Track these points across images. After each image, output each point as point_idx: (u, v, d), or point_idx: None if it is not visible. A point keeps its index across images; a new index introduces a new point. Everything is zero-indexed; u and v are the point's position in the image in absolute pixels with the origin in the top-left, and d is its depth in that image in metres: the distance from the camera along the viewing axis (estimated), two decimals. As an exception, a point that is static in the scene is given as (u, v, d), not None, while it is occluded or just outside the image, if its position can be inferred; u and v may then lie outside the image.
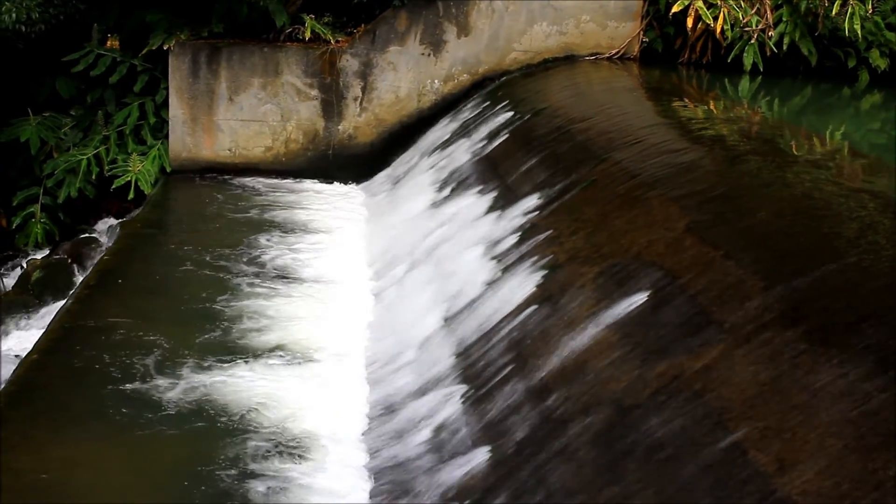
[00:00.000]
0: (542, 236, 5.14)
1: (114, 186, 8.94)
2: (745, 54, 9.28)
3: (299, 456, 4.14)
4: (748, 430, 2.77)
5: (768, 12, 9.31)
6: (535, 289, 4.62)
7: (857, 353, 2.82)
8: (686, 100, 8.08)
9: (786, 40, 9.29)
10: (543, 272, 4.72)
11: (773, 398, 2.83)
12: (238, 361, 5.04)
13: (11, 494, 3.82)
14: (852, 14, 8.95)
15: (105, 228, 9.24)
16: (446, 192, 7.10)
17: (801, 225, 4.01)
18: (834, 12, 9.06)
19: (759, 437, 2.72)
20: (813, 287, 3.31)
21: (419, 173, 8.17)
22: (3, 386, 4.83)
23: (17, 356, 6.04)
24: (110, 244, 7.80)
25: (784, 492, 2.48)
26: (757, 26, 9.27)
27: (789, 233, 3.95)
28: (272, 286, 6.19)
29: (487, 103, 8.63)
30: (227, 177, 9.23)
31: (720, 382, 3.05)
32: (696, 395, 3.07)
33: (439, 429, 4.08)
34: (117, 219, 9.28)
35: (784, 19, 9.31)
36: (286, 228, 7.56)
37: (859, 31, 9.01)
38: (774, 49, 9.28)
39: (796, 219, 4.08)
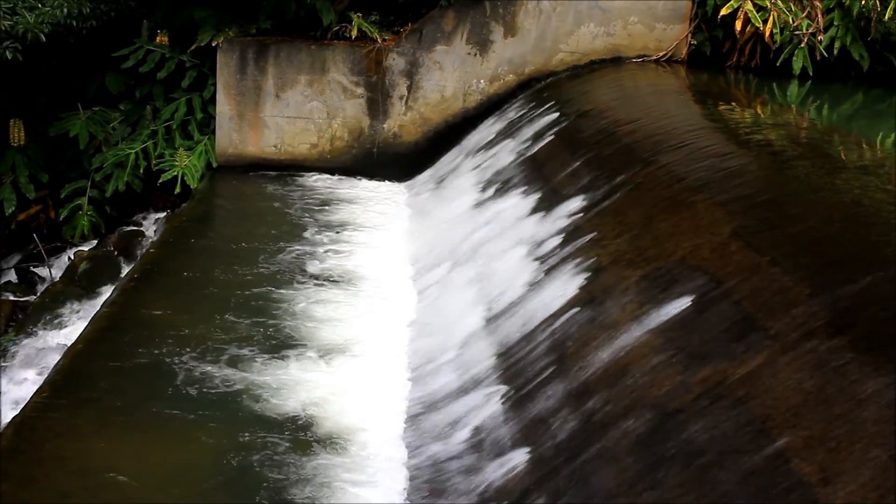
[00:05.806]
0: (585, 238, 5.12)
1: (161, 181, 9.05)
2: (794, 58, 9.17)
3: (340, 452, 4.16)
4: (791, 439, 2.74)
5: (819, 16, 9.19)
6: (577, 291, 4.60)
7: (905, 363, 2.78)
8: (733, 104, 8.00)
9: (836, 44, 9.17)
10: (586, 274, 4.71)
11: (817, 407, 2.80)
12: (280, 356, 5.07)
13: (55, 483, 3.88)
14: (905, 19, 8.84)
15: (151, 222, 9.36)
16: (490, 192, 7.10)
17: (850, 232, 3.96)
18: (887, 17, 8.93)
19: (802, 445, 2.70)
20: (861, 295, 3.26)
21: (463, 173, 8.18)
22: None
23: (63, 346, 6.14)
24: (156, 237, 7.90)
25: (827, 502, 2.46)
26: (807, 30, 9.16)
27: (837, 240, 3.90)
28: (315, 282, 6.23)
29: (533, 104, 8.60)
30: (272, 173, 9.31)
31: (764, 389, 3.02)
32: (740, 402, 3.04)
33: (479, 428, 4.08)
34: (163, 213, 9.39)
35: (835, 23, 9.18)
36: (330, 225, 7.60)
37: (912, 36, 8.89)
38: (825, 53, 9.16)
39: (845, 226, 4.02)
